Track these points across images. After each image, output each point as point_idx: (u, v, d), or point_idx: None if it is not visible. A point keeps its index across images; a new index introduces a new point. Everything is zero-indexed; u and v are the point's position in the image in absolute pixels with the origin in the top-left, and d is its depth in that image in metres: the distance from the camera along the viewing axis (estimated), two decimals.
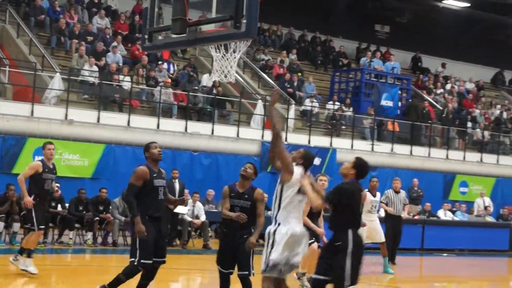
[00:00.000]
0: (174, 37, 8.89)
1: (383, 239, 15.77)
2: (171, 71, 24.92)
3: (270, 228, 8.50)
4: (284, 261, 8.42)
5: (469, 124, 30.09)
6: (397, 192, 17.29)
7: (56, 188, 15.50)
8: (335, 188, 8.36)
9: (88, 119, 20.31)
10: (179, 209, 18.10)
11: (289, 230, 8.41)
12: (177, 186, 18.85)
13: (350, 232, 8.18)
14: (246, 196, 9.39)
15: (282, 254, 8.39)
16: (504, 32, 37.37)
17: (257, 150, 22.75)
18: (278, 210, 8.49)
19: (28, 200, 11.76)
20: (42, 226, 12.08)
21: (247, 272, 9.26)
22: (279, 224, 8.46)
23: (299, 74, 28.62)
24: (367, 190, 15.26)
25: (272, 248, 8.40)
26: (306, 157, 8.70)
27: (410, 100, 29.39)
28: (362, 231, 14.57)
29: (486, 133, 29.91)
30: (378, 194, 16.07)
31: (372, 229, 15.39)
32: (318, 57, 31.86)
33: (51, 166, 12.11)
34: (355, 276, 8.14)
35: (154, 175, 9.32)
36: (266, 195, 10.72)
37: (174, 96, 23.00)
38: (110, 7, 27.64)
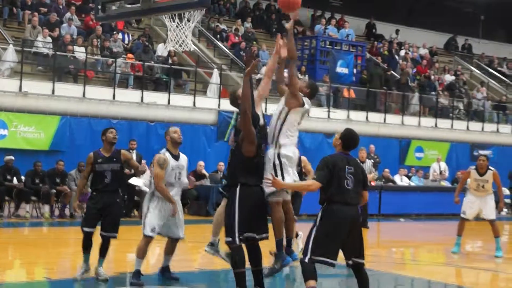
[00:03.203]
0: (128, 7, 8.82)
1: (491, 216, 14.37)
2: (126, 41, 24.69)
3: (273, 152, 8.31)
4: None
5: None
6: (363, 162, 17.44)
7: None
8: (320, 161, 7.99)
9: (42, 90, 20.07)
10: (134, 180, 18.08)
11: (293, 153, 8.41)
12: (134, 157, 18.79)
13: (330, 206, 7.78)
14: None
15: (293, 177, 8.39)
16: None
17: (213, 119, 22.73)
18: (279, 133, 8.37)
19: None
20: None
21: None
22: (280, 147, 8.35)
23: (254, 42, 28.54)
24: (473, 167, 14.40)
25: (282, 171, 8.27)
26: (312, 87, 8.84)
27: (373, 68, 29.51)
28: (471, 208, 14.45)
29: (441, 99, 30.17)
30: (488, 172, 14.19)
31: (482, 206, 14.37)
32: (273, 25, 31.79)
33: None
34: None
35: None
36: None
37: (130, 66, 22.85)
38: None
